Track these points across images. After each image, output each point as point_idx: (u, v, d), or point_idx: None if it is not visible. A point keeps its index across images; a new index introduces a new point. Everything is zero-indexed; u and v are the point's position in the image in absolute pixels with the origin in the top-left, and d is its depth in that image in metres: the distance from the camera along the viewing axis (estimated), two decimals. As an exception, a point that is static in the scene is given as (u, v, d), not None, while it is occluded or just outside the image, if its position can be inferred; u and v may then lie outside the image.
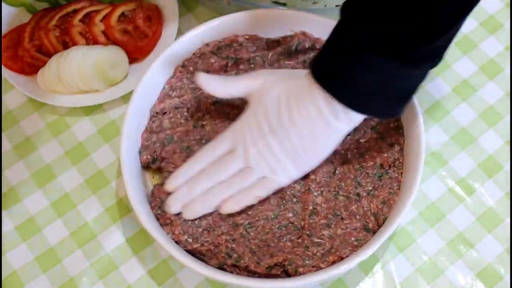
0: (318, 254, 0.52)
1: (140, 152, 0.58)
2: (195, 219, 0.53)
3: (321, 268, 0.51)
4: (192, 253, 0.53)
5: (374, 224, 0.54)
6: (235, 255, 0.52)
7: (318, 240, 0.53)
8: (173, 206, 0.53)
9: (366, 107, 0.49)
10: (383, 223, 0.54)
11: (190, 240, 0.53)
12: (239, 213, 0.54)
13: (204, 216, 0.53)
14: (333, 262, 0.51)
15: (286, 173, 0.53)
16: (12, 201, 0.63)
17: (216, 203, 0.53)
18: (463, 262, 0.59)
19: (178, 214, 0.53)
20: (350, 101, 0.48)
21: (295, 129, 0.51)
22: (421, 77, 0.49)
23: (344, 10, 0.47)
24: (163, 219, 0.54)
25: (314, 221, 0.54)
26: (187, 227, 0.53)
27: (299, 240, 0.53)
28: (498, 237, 0.60)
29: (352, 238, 0.53)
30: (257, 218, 0.54)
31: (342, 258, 0.52)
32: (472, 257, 0.59)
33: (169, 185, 0.54)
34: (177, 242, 0.53)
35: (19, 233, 0.62)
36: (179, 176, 0.54)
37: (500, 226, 0.60)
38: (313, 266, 0.51)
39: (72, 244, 0.61)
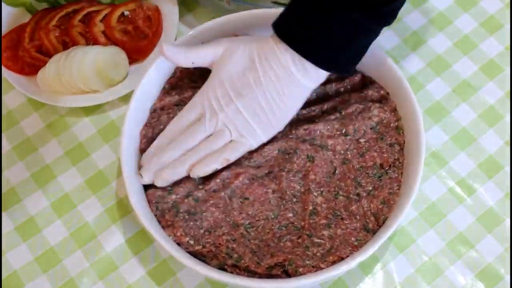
0: (318, 254, 0.52)
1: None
2: (196, 220, 0.53)
3: (321, 268, 0.51)
4: (194, 254, 0.53)
5: (374, 224, 0.54)
6: (235, 255, 0.52)
7: (318, 240, 0.53)
8: (145, 176, 0.54)
9: (336, 63, 0.50)
10: (383, 223, 0.54)
11: (192, 242, 0.53)
12: (240, 212, 0.54)
13: (205, 217, 0.54)
14: (333, 262, 0.51)
15: (254, 136, 0.54)
16: (12, 201, 0.63)
17: (185, 168, 0.54)
18: (463, 262, 0.59)
19: (177, 213, 0.54)
20: (322, 57, 0.49)
21: (262, 91, 0.51)
22: (378, 34, 0.52)
23: None
24: (164, 221, 0.54)
25: (314, 221, 0.54)
26: (188, 229, 0.53)
27: (299, 240, 0.53)
28: (498, 237, 0.60)
29: (352, 238, 0.53)
30: (257, 218, 0.54)
31: (342, 258, 0.52)
32: (472, 257, 0.59)
33: (142, 159, 0.55)
34: (178, 244, 0.53)
35: (19, 233, 0.62)
36: (151, 149, 0.56)
37: (500, 226, 0.60)
38: (313, 266, 0.51)
39: (72, 244, 0.61)
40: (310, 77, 0.51)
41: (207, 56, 0.55)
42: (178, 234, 0.52)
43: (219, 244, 0.53)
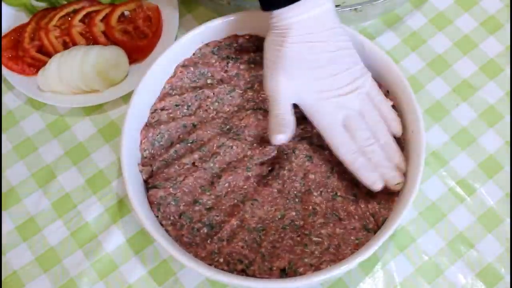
0: (316, 252, 0.52)
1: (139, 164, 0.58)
2: (216, 233, 0.53)
3: (321, 268, 0.51)
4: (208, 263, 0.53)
5: (374, 225, 0.54)
6: (246, 262, 0.52)
7: (316, 239, 0.53)
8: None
9: None
10: (383, 223, 0.54)
11: (216, 258, 0.52)
12: (252, 216, 0.54)
13: (224, 225, 0.54)
14: (333, 262, 0.51)
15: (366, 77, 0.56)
16: (12, 201, 0.63)
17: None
18: (463, 262, 0.59)
19: (193, 229, 0.54)
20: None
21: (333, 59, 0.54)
22: None
23: None
24: (188, 246, 0.53)
25: (313, 220, 0.54)
26: (213, 245, 0.53)
27: (298, 239, 0.53)
28: (498, 237, 0.60)
29: (352, 238, 0.53)
30: (267, 221, 0.54)
31: (342, 258, 0.52)
32: (472, 257, 0.59)
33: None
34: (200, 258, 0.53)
35: (19, 233, 0.62)
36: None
37: (500, 226, 0.60)
38: (311, 265, 0.51)
39: (72, 244, 0.61)
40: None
41: (291, 107, 0.55)
42: (203, 255, 0.52)
43: (234, 252, 0.53)
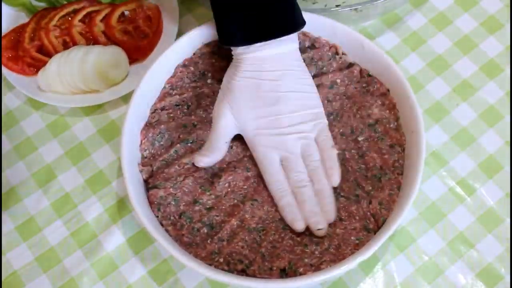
0: (316, 252, 0.52)
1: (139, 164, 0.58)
2: (216, 233, 0.53)
3: (321, 268, 0.51)
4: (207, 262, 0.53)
5: (374, 225, 0.54)
6: (246, 262, 0.52)
7: (316, 239, 0.53)
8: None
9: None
10: (382, 224, 0.54)
11: (216, 258, 0.52)
12: (252, 216, 0.54)
13: (224, 225, 0.54)
14: (333, 262, 0.51)
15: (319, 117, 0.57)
16: (12, 201, 0.63)
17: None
18: (463, 262, 0.59)
19: (193, 229, 0.54)
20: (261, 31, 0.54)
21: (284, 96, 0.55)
22: None
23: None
24: (188, 246, 0.53)
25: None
26: (213, 245, 0.53)
27: (299, 239, 0.53)
28: (498, 237, 0.60)
29: (353, 238, 0.53)
30: (267, 221, 0.54)
31: (342, 258, 0.52)
32: (472, 257, 0.59)
33: None
34: (201, 259, 0.53)
35: (19, 233, 0.62)
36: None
37: (500, 226, 0.60)
38: (311, 265, 0.51)
39: (72, 244, 0.61)
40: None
41: (226, 136, 0.56)
42: (203, 255, 0.52)
43: (234, 252, 0.53)
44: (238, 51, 0.55)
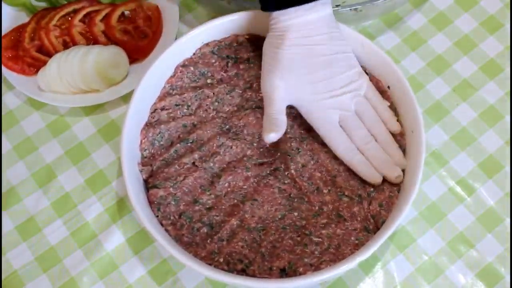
0: (316, 252, 0.52)
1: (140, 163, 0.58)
2: (216, 233, 0.53)
3: (321, 268, 0.51)
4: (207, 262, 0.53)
5: (374, 226, 0.54)
6: (246, 261, 0.52)
7: (317, 239, 0.53)
8: None
9: None
10: (382, 225, 0.54)
11: (216, 257, 0.52)
12: (252, 216, 0.54)
13: (223, 227, 0.54)
14: (333, 262, 0.51)
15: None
16: (12, 201, 0.63)
17: None
18: (463, 262, 0.59)
19: (192, 229, 0.54)
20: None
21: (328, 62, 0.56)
22: None
23: None
24: (188, 246, 0.53)
25: (316, 220, 0.54)
26: (213, 244, 0.53)
27: (299, 238, 0.53)
28: (498, 237, 0.60)
29: (352, 238, 0.53)
30: (267, 221, 0.54)
31: (342, 258, 0.52)
32: (472, 257, 0.59)
33: None
34: (201, 259, 0.53)
35: (19, 233, 0.62)
36: None
37: (500, 226, 0.60)
38: (311, 265, 0.51)
39: (72, 244, 0.61)
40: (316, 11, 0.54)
41: (284, 108, 0.55)
42: (203, 254, 0.52)
43: (234, 252, 0.53)
44: (281, 19, 0.54)
